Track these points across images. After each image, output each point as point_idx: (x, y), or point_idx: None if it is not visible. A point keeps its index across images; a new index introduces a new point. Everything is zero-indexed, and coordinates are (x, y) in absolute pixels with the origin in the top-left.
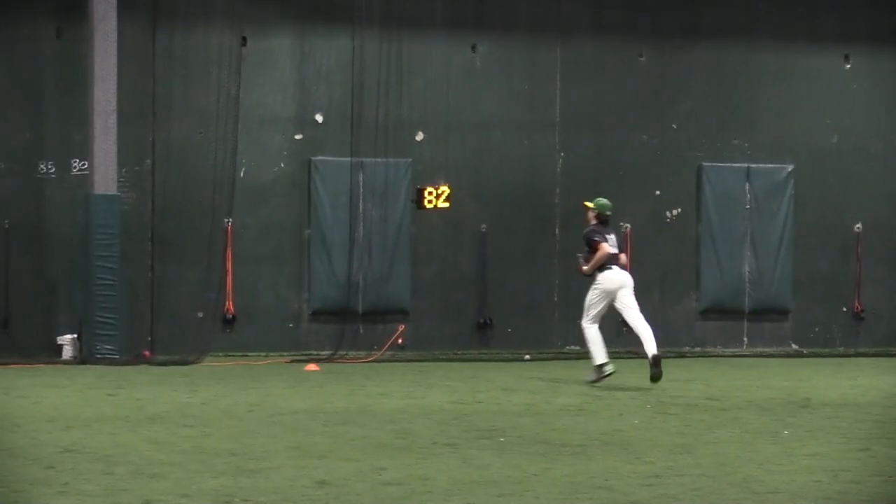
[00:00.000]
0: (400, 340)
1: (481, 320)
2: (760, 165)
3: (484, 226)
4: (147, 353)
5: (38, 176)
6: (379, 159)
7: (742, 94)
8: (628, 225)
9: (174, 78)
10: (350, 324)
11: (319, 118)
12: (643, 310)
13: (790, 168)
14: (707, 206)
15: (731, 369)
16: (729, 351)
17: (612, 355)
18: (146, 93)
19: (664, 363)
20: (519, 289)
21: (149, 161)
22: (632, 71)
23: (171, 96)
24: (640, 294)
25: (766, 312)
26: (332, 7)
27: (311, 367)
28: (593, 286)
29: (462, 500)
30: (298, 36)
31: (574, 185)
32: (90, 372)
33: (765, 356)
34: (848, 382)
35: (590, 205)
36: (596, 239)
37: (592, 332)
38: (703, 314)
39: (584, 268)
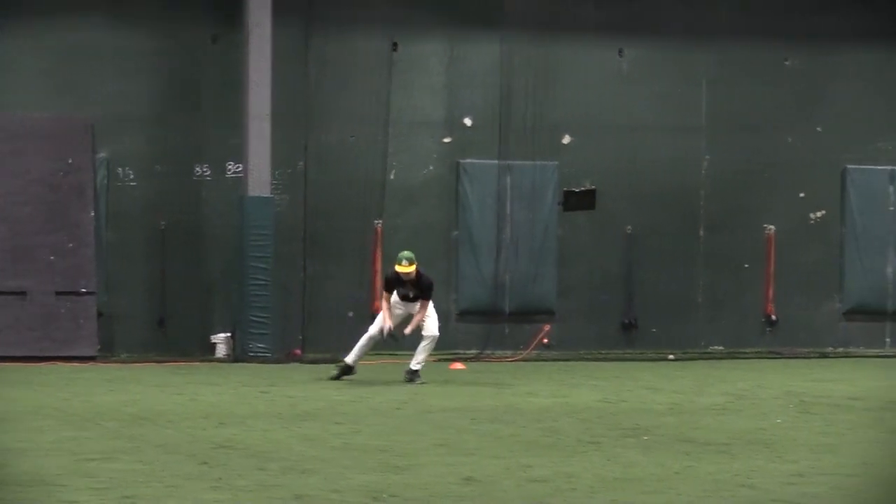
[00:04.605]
0: (545, 340)
1: (626, 321)
2: None
3: (630, 227)
4: (298, 351)
5: (194, 178)
6: (526, 162)
7: (887, 96)
8: (772, 226)
9: (327, 82)
10: (497, 324)
11: (468, 121)
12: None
13: None
14: (851, 209)
15: (874, 370)
16: (872, 351)
17: (755, 355)
18: (300, 97)
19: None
20: (664, 290)
21: (302, 163)
22: (777, 74)
23: (323, 100)
24: (784, 295)
25: None
26: (481, 12)
27: (458, 365)
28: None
29: (606, 497)
30: (448, 40)
31: (719, 188)
32: (243, 370)
33: None
34: None
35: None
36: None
37: None
38: (846, 315)
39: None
